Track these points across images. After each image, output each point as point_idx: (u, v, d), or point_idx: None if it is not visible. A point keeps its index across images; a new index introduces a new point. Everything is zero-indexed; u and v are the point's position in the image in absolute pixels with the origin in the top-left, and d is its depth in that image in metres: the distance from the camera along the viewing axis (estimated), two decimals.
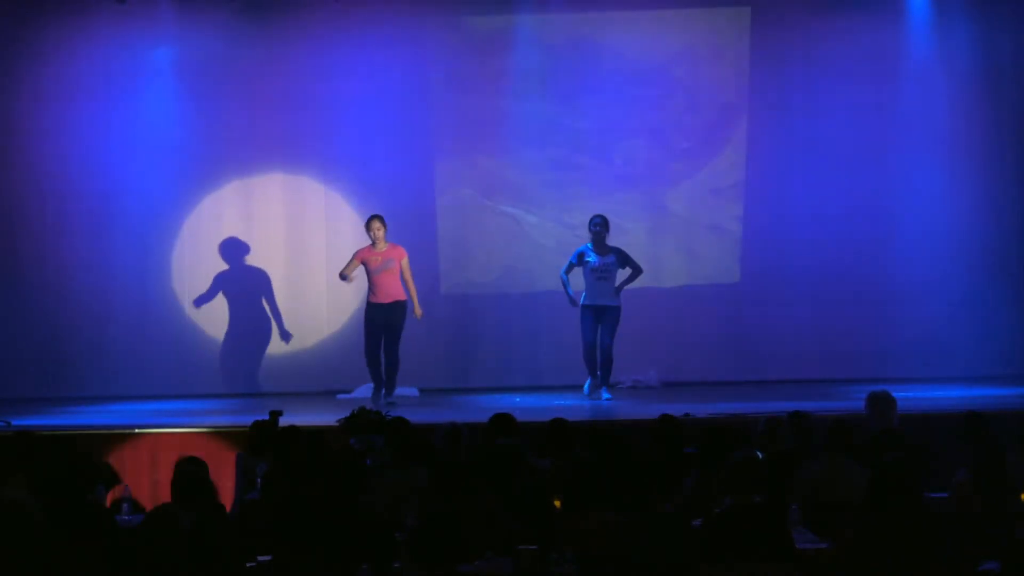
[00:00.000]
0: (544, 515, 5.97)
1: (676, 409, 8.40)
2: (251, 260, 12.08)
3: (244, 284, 12.07)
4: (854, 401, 9.64)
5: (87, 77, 11.88)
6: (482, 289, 12.11)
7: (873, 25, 11.93)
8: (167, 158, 11.92)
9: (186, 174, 11.98)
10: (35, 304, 11.95)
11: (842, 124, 11.94)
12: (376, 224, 10.53)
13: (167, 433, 9.39)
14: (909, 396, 8.91)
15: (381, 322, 10.50)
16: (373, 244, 10.54)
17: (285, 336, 11.96)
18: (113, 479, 7.45)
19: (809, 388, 11.10)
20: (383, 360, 10.55)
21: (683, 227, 12.08)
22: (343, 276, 10.64)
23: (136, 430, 9.55)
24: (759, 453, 6.39)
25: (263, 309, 12.05)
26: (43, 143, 11.93)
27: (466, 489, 5.87)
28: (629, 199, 12.03)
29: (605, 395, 10.61)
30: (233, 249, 12.06)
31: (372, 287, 10.55)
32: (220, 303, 12.03)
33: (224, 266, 12.05)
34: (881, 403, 7.46)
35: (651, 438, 7.23)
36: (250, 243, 12.05)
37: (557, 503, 6.11)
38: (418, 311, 10.59)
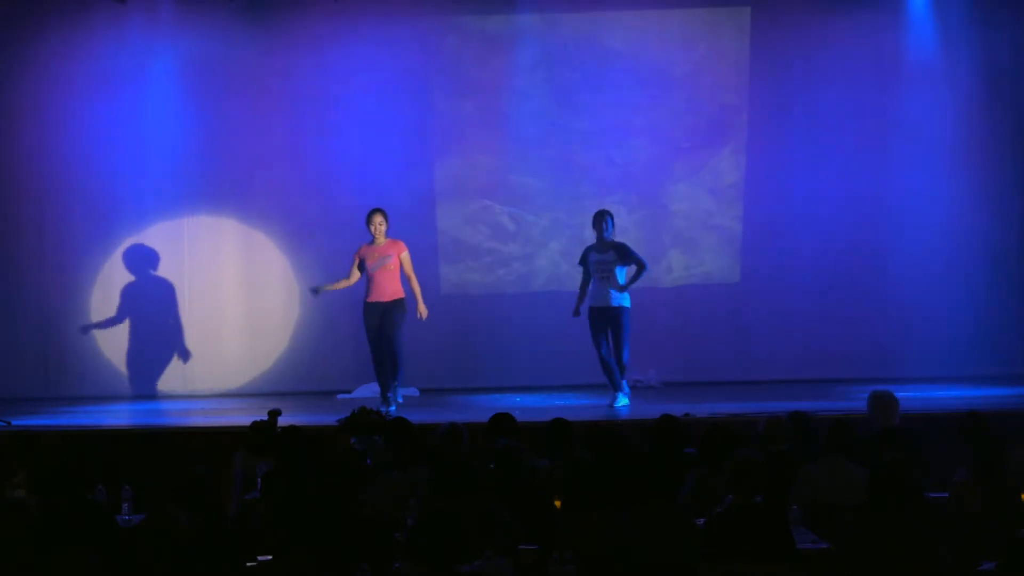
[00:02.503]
0: (544, 515, 5.97)
1: (676, 409, 8.39)
2: (255, 254, 12.10)
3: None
4: (854, 401, 9.64)
5: (87, 77, 11.86)
6: (482, 289, 12.11)
7: (873, 25, 11.92)
8: (167, 157, 11.91)
9: (187, 173, 11.96)
10: (35, 304, 11.95)
11: (842, 124, 11.92)
12: (378, 218, 10.05)
13: (167, 433, 9.40)
14: (909, 396, 8.90)
15: (376, 323, 10.03)
16: (373, 240, 10.08)
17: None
18: (113, 479, 7.43)
19: (809, 388, 11.09)
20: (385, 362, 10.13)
21: (683, 227, 12.08)
22: (343, 281, 10.17)
23: (136, 430, 9.56)
24: (759, 453, 6.39)
25: (258, 309, 12.07)
26: (43, 142, 11.91)
27: (466, 489, 5.86)
28: (629, 199, 12.03)
29: (620, 401, 10.13)
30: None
31: (368, 285, 10.05)
32: (222, 302, 12.05)
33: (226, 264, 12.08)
34: (883, 402, 7.45)
35: (651, 438, 7.22)
36: (254, 239, 12.05)
37: (557, 503, 6.11)
38: (422, 311, 10.11)
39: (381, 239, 10.07)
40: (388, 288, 10.03)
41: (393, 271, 10.03)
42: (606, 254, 10.14)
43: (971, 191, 12.00)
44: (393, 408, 9.86)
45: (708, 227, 12.10)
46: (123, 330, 11.96)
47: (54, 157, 11.91)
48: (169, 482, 5.85)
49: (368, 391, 10.72)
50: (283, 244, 12.09)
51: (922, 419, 8.46)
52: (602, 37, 11.99)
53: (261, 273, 12.08)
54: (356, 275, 10.13)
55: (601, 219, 10.19)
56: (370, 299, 10.05)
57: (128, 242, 12.00)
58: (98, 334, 11.94)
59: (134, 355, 11.95)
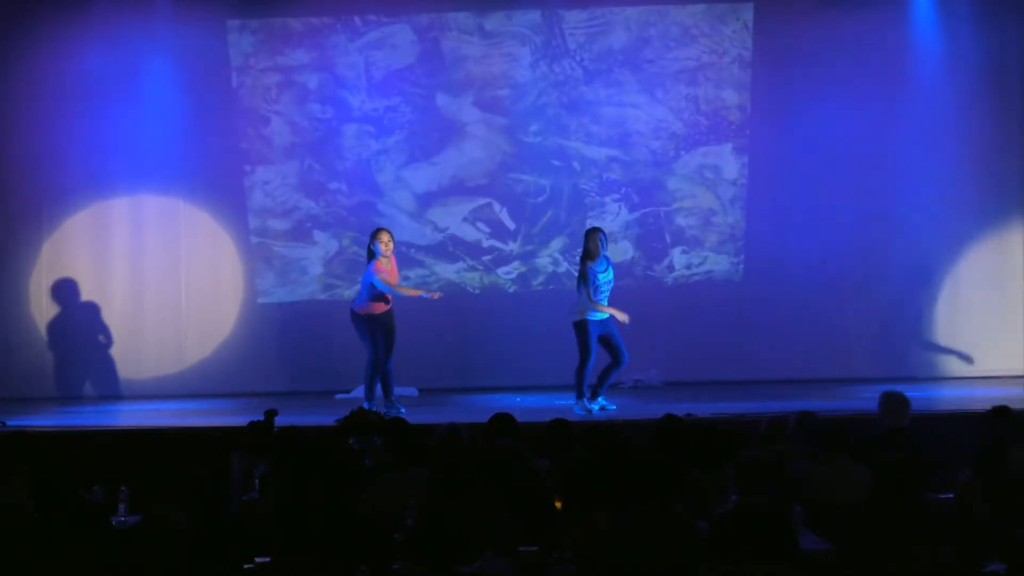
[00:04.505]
0: (544, 516, 5.97)
1: (678, 409, 8.39)
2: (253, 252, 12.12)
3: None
4: (858, 401, 9.66)
5: (82, 74, 11.86)
6: (482, 288, 12.12)
7: (877, 20, 11.91)
8: (163, 154, 11.91)
9: (183, 170, 11.96)
10: (32, 304, 11.97)
11: (845, 121, 11.92)
12: (387, 236, 10.17)
13: (164, 433, 9.40)
14: (913, 396, 8.90)
15: (390, 331, 10.24)
16: (382, 256, 10.10)
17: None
18: (110, 479, 7.43)
19: (813, 388, 11.10)
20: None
21: (685, 225, 12.08)
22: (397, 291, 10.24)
23: (133, 430, 9.56)
24: (764, 453, 6.39)
25: (256, 309, 12.10)
26: (38, 142, 11.92)
27: (466, 490, 5.87)
28: (630, 196, 12.04)
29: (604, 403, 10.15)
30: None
31: (383, 297, 10.17)
32: (219, 302, 12.06)
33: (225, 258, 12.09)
34: (893, 402, 7.46)
35: (653, 438, 7.22)
36: (250, 237, 12.07)
37: (558, 504, 6.11)
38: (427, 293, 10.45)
39: (388, 260, 10.18)
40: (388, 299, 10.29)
41: None
42: (609, 271, 10.07)
43: (977, 189, 11.99)
44: (404, 410, 9.87)
45: (710, 225, 12.10)
46: (119, 329, 11.96)
47: (50, 156, 11.91)
48: (166, 483, 5.85)
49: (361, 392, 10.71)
50: (280, 243, 12.09)
51: (927, 419, 8.47)
52: (603, 33, 12.00)
53: (258, 272, 12.09)
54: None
55: (603, 235, 10.08)
56: (383, 310, 10.19)
57: (124, 240, 12.01)
58: (95, 333, 11.96)
59: (129, 354, 11.95)
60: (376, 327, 10.15)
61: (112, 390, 11.87)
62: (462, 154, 12.06)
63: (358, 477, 6.39)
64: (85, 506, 5.84)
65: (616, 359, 10.09)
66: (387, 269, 10.15)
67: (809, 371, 11.77)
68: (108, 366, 11.94)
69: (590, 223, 11.32)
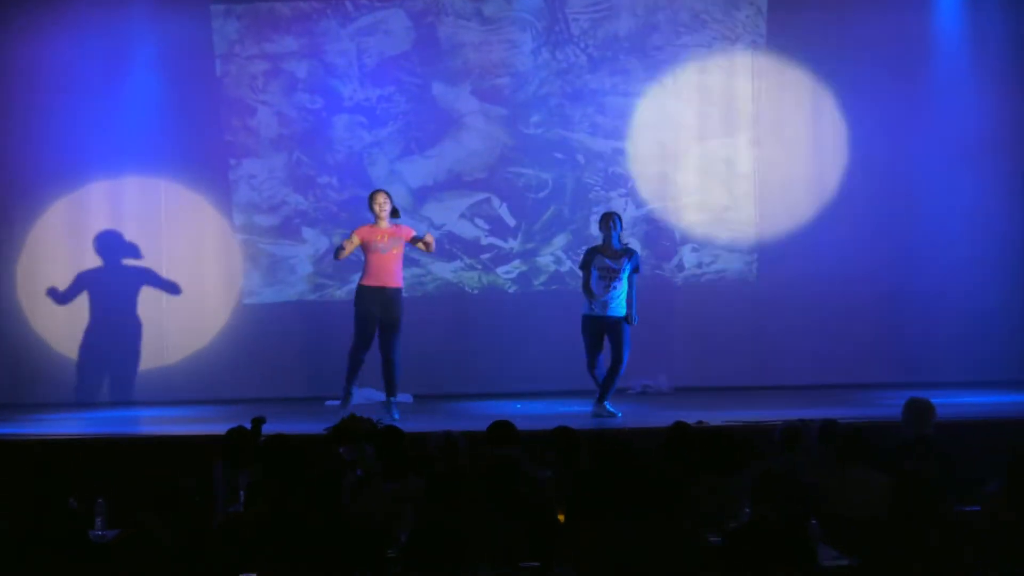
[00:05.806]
0: (546, 528, 5.95)
1: (688, 416, 8.37)
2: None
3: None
4: (878, 408, 9.64)
5: (60, 63, 11.87)
6: (480, 290, 12.10)
7: (896, 6, 11.92)
8: (144, 147, 11.91)
9: (170, 164, 11.96)
10: (10, 307, 11.97)
11: (865, 116, 11.90)
12: (381, 198, 9.92)
13: (144, 442, 9.38)
14: (938, 403, 8.88)
15: (376, 311, 9.87)
16: (376, 221, 9.93)
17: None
18: (86, 491, 7.40)
19: (829, 394, 11.08)
20: (379, 359, 10.01)
21: (695, 222, 12.07)
22: (336, 255, 9.96)
23: (110, 438, 9.53)
24: (779, 463, 6.37)
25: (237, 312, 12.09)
26: (13, 133, 11.93)
27: (463, 501, 5.85)
28: (637, 192, 12.02)
29: (610, 409, 9.97)
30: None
31: (368, 269, 9.88)
32: (204, 303, 12.05)
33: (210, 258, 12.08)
34: (918, 409, 7.44)
35: (662, 446, 7.20)
36: (238, 234, 12.06)
37: (561, 516, 6.10)
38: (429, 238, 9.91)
39: (385, 222, 9.94)
40: (393, 275, 9.92)
41: (400, 255, 9.96)
42: (617, 261, 9.95)
43: (1004, 184, 11.97)
44: (397, 415, 9.82)
45: (722, 222, 12.08)
46: (99, 332, 11.95)
47: (31, 152, 11.92)
48: (146, 494, 5.82)
49: (359, 397, 10.69)
50: (267, 240, 12.08)
51: (953, 427, 8.45)
52: (608, 18, 11.99)
53: (244, 271, 12.08)
54: (347, 252, 9.94)
55: (611, 221, 9.98)
56: (375, 283, 9.88)
57: (102, 237, 12.00)
58: (72, 336, 11.95)
59: (110, 359, 11.95)
60: (362, 302, 9.88)
61: (96, 396, 11.85)
62: (459, 146, 12.05)
63: (348, 488, 6.37)
64: (61, 519, 5.80)
65: (613, 365, 9.97)
66: (372, 234, 9.83)
67: (827, 376, 11.75)
68: (93, 368, 11.93)
69: (596, 217, 11.24)
